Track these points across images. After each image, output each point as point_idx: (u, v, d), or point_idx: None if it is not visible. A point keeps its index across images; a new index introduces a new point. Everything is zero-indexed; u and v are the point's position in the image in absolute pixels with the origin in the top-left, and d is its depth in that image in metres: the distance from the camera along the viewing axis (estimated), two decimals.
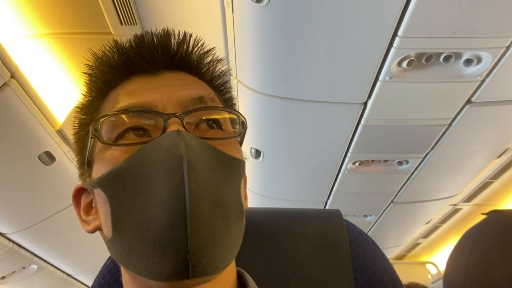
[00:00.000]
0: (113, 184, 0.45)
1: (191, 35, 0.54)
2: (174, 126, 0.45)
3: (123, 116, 0.48)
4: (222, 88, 0.58)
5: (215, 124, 0.51)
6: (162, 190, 0.41)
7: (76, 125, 0.56)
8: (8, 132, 1.64)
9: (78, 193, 0.54)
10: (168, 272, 0.40)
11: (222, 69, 0.58)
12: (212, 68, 0.57)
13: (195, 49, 0.55)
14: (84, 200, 0.53)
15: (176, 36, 0.53)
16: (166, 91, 0.50)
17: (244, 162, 0.52)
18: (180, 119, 0.46)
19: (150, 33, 0.53)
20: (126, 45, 0.53)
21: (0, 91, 1.46)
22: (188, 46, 0.54)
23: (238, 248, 0.48)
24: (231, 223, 0.44)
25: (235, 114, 0.52)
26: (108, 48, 0.53)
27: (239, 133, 0.52)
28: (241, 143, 0.55)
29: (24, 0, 1.57)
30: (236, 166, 0.49)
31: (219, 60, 0.57)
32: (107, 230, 0.46)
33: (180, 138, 0.43)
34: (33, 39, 1.71)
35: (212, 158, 0.45)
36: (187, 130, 0.46)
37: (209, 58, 0.56)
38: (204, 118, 0.50)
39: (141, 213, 0.42)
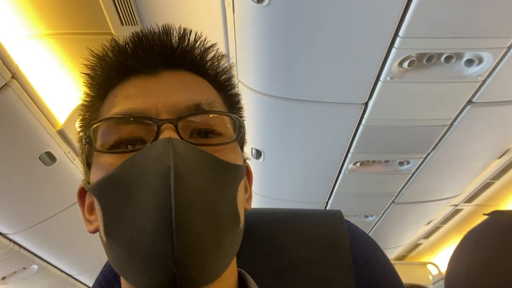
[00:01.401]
0: (104, 191, 0.45)
1: (191, 31, 0.53)
2: (166, 132, 0.44)
3: (117, 122, 0.47)
4: (226, 84, 0.56)
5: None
6: (149, 202, 0.40)
7: (80, 122, 0.55)
8: (9, 132, 1.64)
9: (83, 192, 0.54)
10: (156, 285, 0.40)
11: (226, 64, 0.56)
12: (216, 63, 0.55)
13: (198, 44, 0.53)
14: (88, 199, 0.53)
15: (175, 33, 0.52)
16: (162, 94, 0.49)
17: (242, 166, 0.50)
18: (173, 124, 0.45)
19: (148, 31, 0.52)
20: (123, 44, 0.52)
21: (1, 92, 1.46)
22: (189, 42, 0.53)
23: (233, 256, 0.47)
24: (223, 233, 0.43)
25: (233, 118, 0.51)
26: (105, 48, 0.52)
27: (236, 137, 0.50)
28: (242, 146, 0.53)
29: (25, 0, 1.57)
30: (232, 172, 0.47)
31: (222, 56, 0.55)
32: (102, 235, 0.46)
33: (169, 147, 0.42)
34: (34, 40, 1.71)
35: (205, 166, 0.44)
36: (181, 137, 0.45)
37: (212, 54, 0.54)
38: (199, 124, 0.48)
39: (130, 223, 0.41)
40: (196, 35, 0.53)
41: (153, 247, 0.39)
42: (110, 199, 0.44)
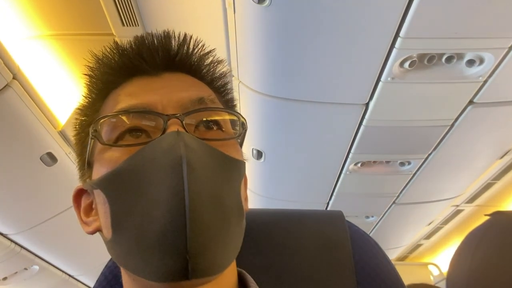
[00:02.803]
0: (112, 185, 0.46)
1: (191, 37, 0.54)
2: (174, 127, 0.45)
3: (123, 117, 0.48)
4: (222, 89, 0.58)
5: (215, 125, 0.51)
6: (161, 191, 0.41)
7: (77, 126, 0.56)
8: (10, 133, 1.64)
9: (79, 195, 0.54)
10: (168, 273, 0.40)
11: (223, 70, 0.57)
12: (212, 69, 0.57)
13: (196, 50, 0.55)
14: (84, 201, 0.53)
15: (177, 38, 0.53)
16: (166, 92, 0.50)
17: (244, 163, 0.52)
18: (180, 120, 0.46)
19: (150, 34, 0.53)
20: (126, 46, 0.53)
21: (2, 93, 1.46)
22: (188, 47, 0.54)
23: (238, 249, 0.47)
24: (231, 224, 0.44)
25: (235, 115, 0.52)
26: (108, 49, 0.53)
27: (239, 134, 0.52)
28: (241, 144, 0.54)
29: (27, 1, 1.58)
30: (236, 167, 0.49)
31: (219, 62, 0.57)
32: (107, 231, 0.46)
33: (179, 139, 0.43)
34: (35, 40, 1.71)
35: (212, 159, 0.45)
36: (187, 131, 0.46)
37: (210, 60, 0.56)
38: (204, 119, 0.50)
39: (141, 214, 0.42)
40: (195, 41, 0.55)
41: (166, 235, 0.40)
42: (119, 191, 0.45)
